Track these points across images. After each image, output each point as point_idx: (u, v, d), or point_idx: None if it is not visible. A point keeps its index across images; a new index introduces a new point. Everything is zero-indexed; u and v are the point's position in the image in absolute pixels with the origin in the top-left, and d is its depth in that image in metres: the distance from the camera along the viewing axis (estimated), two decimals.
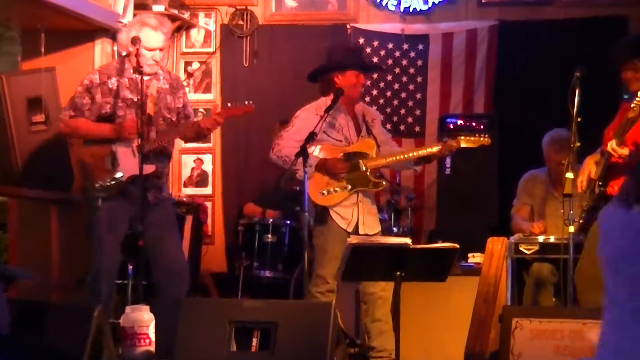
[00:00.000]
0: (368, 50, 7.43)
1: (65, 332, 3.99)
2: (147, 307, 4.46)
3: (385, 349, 5.27)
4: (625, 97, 4.85)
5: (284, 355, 4.12)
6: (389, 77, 7.53)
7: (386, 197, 6.75)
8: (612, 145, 4.68)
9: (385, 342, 5.24)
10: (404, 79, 7.53)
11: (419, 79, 7.52)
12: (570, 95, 4.77)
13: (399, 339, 4.46)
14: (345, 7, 7.63)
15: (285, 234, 6.62)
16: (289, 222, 6.63)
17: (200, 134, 5.31)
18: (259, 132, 7.42)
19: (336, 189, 5.33)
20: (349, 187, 5.35)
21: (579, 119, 4.76)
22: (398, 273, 4.39)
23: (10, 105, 5.80)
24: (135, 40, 4.97)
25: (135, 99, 5.05)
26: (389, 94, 7.55)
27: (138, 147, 4.90)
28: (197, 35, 7.75)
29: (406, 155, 5.46)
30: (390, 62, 7.51)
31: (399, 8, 7.51)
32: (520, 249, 5.53)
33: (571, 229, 4.78)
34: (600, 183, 4.80)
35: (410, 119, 7.53)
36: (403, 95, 7.54)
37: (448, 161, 6.78)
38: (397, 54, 7.52)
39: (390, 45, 7.52)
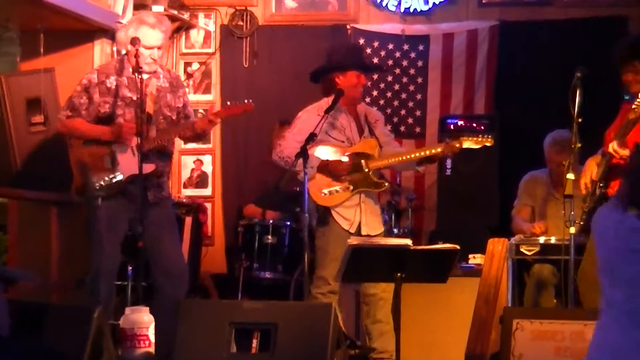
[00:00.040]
0: (368, 50, 7.42)
1: (65, 334, 3.99)
2: (147, 309, 4.45)
3: (386, 350, 5.26)
4: (626, 97, 4.84)
5: (284, 356, 4.12)
6: (389, 78, 7.52)
7: (386, 198, 6.73)
8: (613, 146, 4.68)
9: (386, 343, 5.24)
10: (405, 79, 7.53)
11: (420, 80, 7.51)
12: (571, 95, 4.76)
13: (400, 340, 4.45)
14: (346, 8, 7.62)
15: (285, 235, 6.61)
16: (289, 223, 6.61)
17: (197, 135, 5.31)
18: (258, 133, 7.41)
19: (338, 189, 5.32)
20: (351, 187, 5.34)
21: (580, 120, 4.75)
22: (398, 274, 4.38)
23: (10, 106, 5.80)
24: (134, 42, 4.96)
25: (135, 98, 5.03)
26: (389, 94, 7.54)
27: (137, 146, 4.89)
28: (196, 35, 7.74)
29: (409, 156, 5.46)
30: (390, 62, 7.50)
31: (400, 8, 7.50)
32: (521, 250, 5.52)
33: (572, 230, 4.77)
34: (601, 184, 4.78)
35: (410, 120, 7.52)
36: (403, 96, 7.53)
37: (448, 162, 6.77)
38: (398, 54, 7.51)
39: (390, 46, 7.51)
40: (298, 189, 5.69)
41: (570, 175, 4.77)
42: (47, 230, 6.09)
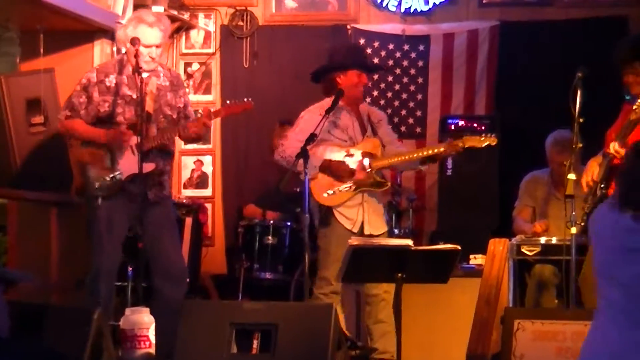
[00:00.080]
0: (369, 51, 7.41)
1: (65, 335, 3.98)
2: (147, 310, 4.44)
3: (387, 350, 5.26)
4: (627, 98, 4.84)
5: (285, 357, 4.11)
6: (390, 78, 7.52)
7: (387, 198, 6.71)
8: (614, 147, 4.67)
9: (388, 343, 5.23)
10: (405, 79, 7.52)
11: (420, 80, 7.50)
12: (572, 95, 4.76)
13: (401, 340, 4.45)
14: (346, 8, 7.61)
15: (285, 235, 6.60)
16: (289, 223, 6.61)
17: (192, 138, 5.32)
18: (259, 133, 7.41)
19: (340, 188, 5.32)
20: (353, 187, 5.34)
21: (581, 120, 4.74)
22: (399, 274, 4.38)
23: (9, 107, 5.79)
24: (134, 42, 4.95)
25: (135, 96, 5.03)
26: (389, 94, 7.53)
27: (137, 145, 4.88)
28: (196, 36, 7.73)
29: (411, 156, 5.46)
30: (391, 62, 7.50)
31: (400, 8, 7.50)
32: (522, 250, 5.51)
33: (573, 230, 4.76)
34: (602, 185, 4.78)
35: (411, 120, 7.51)
36: (404, 96, 7.52)
37: (449, 162, 6.77)
38: (398, 54, 7.50)
39: (391, 46, 7.51)
40: (298, 190, 5.68)
41: (572, 176, 4.76)
42: (47, 230, 6.08)
